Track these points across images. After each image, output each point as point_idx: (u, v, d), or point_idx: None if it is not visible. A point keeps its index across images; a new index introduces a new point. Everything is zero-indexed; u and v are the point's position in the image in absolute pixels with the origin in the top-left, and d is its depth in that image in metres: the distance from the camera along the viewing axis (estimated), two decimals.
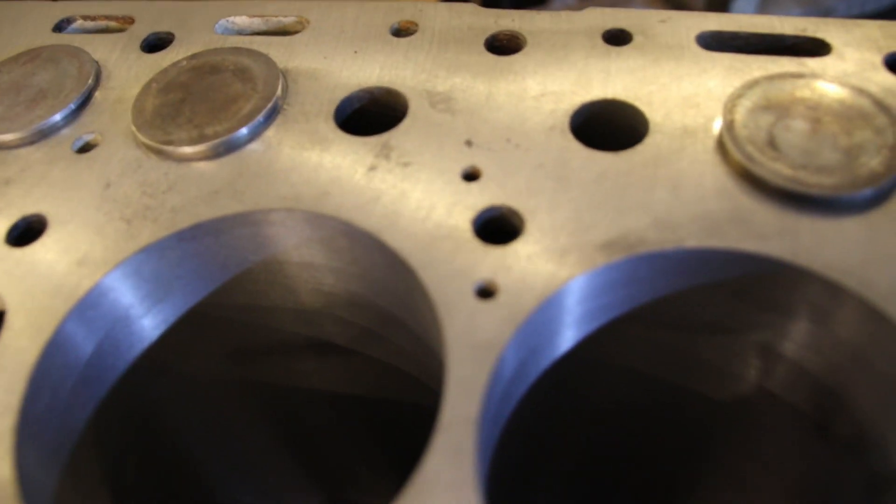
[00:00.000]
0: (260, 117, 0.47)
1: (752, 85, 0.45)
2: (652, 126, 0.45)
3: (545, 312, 0.39)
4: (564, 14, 0.51)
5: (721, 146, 0.43)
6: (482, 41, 0.50)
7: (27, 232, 0.46)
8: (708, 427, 0.50)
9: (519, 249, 0.40)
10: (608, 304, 0.42)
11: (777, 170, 0.41)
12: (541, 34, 0.50)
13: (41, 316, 0.42)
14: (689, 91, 0.46)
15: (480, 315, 0.38)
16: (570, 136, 0.44)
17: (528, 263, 0.39)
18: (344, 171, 0.45)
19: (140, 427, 0.50)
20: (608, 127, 0.46)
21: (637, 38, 0.49)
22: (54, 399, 0.42)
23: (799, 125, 0.43)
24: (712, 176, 0.42)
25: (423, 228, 0.41)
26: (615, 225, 0.41)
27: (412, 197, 0.43)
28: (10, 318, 0.42)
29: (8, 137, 0.50)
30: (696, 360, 0.46)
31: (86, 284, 0.42)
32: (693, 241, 0.40)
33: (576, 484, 0.54)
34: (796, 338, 0.42)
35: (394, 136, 0.46)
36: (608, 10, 0.51)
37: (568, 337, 0.43)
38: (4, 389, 0.39)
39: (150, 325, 0.47)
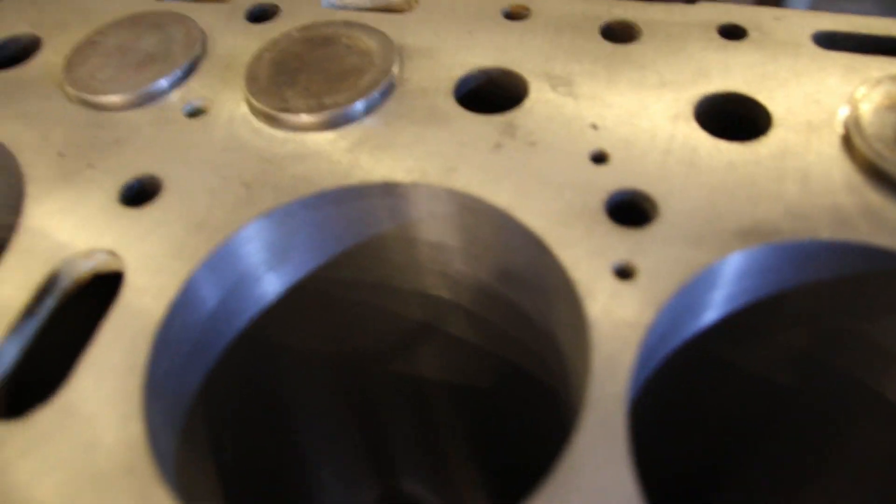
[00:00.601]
0: (378, 91, 0.47)
1: (875, 84, 0.45)
2: (775, 120, 0.45)
3: (685, 296, 0.39)
4: (677, 7, 0.51)
5: (847, 142, 0.43)
6: (597, 28, 0.50)
7: (141, 193, 0.45)
8: (814, 432, 0.50)
9: (655, 232, 0.40)
10: (737, 293, 0.42)
11: None
12: (655, 25, 0.50)
13: (163, 277, 0.41)
14: (809, 88, 0.46)
15: (621, 295, 0.38)
16: (695, 125, 0.44)
17: (664, 246, 0.39)
18: (469, 147, 0.44)
19: (240, 399, 0.50)
20: (729, 119, 0.46)
21: (752, 34, 0.49)
22: (173, 363, 0.41)
23: None
24: (840, 171, 0.42)
25: (555, 207, 0.41)
26: (748, 213, 0.40)
27: (542, 176, 0.43)
28: (130, 278, 0.41)
29: (115, 99, 0.49)
30: (811, 361, 0.46)
31: (207, 246, 0.42)
32: (827, 233, 0.40)
33: (677, 480, 0.54)
34: None
35: (517, 115, 0.46)
36: (720, 5, 0.51)
37: (693, 326, 0.43)
38: (128, 350, 0.38)
39: (258, 294, 0.46)
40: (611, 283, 0.38)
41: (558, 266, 0.39)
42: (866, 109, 0.44)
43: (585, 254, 0.39)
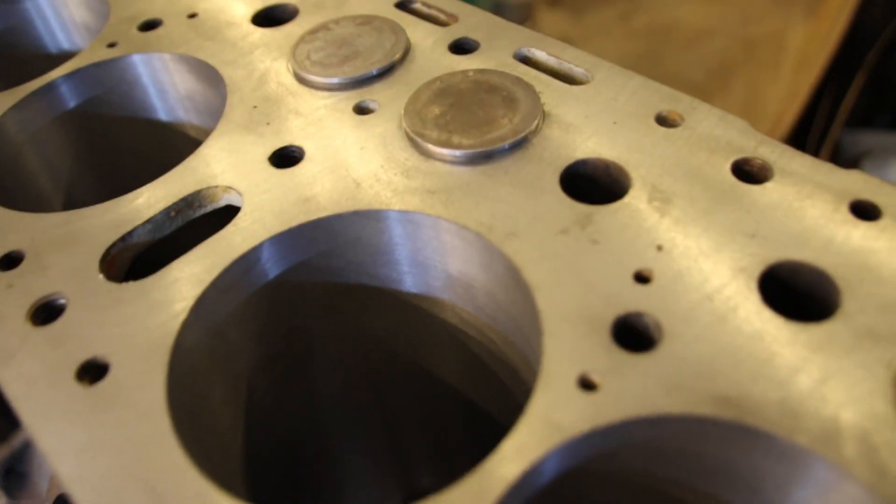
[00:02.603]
0: (502, 146, 0.52)
1: None
2: (840, 313, 0.43)
3: (620, 431, 0.40)
4: (827, 166, 0.50)
5: None
6: (731, 160, 0.51)
7: (286, 158, 0.55)
8: None
9: (641, 364, 0.41)
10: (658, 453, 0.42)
11: None
12: (791, 176, 0.49)
13: (257, 229, 0.50)
14: None
15: (570, 402, 0.40)
16: (753, 286, 0.44)
17: (639, 379, 0.41)
18: (541, 223, 0.48)
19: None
20: (796, 294, 0.45)
21: (886, 219, 0.47)
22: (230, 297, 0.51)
23: None
24: (868, 392, 0.40)
25: (572, 303, 0.44)
26: (741, 385, 0.40)
27: (582, 273, 0.46)
28: (239, 218, 0.51)
29: (314, 79, 0.59)
30: None
31: (298, 220, 0.51)
32: (804, 439, 0.39)
33: None
34: None
35: (600, 211, 0.49)
36: (875, 180, 0.49)
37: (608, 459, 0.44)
38: (207, 268, 0.49)
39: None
40: (569, 388, 0.41)
41: (539, 351, 0.43)
42: None
43: (566, 353, 0.42)
